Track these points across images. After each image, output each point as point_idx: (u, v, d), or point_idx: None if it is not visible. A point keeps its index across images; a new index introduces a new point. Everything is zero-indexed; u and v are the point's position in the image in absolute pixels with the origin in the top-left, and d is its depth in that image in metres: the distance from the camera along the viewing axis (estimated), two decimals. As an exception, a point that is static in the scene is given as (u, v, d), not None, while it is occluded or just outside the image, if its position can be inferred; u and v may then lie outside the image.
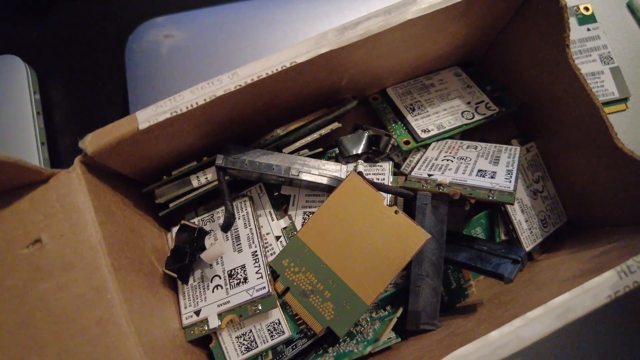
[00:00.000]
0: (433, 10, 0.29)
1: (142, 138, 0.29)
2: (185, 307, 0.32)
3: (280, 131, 0.32)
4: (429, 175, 0.32)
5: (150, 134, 0.29)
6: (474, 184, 0.30)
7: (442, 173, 0.32)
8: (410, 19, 0.29)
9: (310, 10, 0.45)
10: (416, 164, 0.35)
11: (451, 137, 0.38)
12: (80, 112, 0.44)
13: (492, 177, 0.30)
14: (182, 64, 0.44)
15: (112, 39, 0.44)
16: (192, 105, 0.28)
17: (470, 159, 0.33)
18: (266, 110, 0.33)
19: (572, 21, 0.44)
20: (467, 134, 0.40)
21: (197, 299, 0.32)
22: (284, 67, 0.28)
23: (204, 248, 0.32)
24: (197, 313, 0.32)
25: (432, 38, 0.34)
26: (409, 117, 0.37)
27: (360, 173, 0.33)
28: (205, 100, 0.28)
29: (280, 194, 0.35)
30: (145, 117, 0.28)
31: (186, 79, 0.39)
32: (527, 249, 0.36)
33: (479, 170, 0.31)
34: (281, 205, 0.35)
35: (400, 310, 0.32)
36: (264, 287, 0.31)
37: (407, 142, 0.36)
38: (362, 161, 0.35)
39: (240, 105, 0.30)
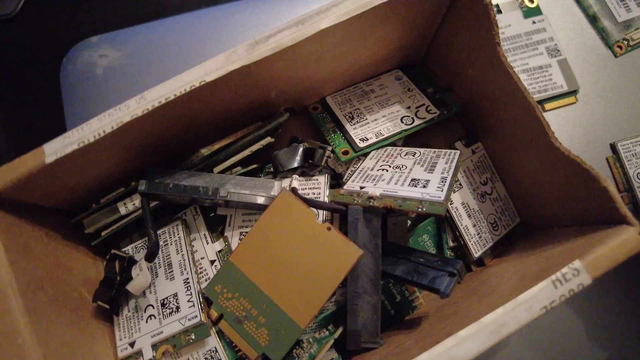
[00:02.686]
0: (348, 17, 0.28)
1: (55, 171, 0.28)
2: (120, 339, 0.31)
3: (205, 151, 0.31)
4: (361, 187, 0.31)
5: (62, 166, 0.28)
6: (405, 195, 0.29)
7: (375, 184, 0.31)
8: (325, 27, 0.27)
9: (247, 22, 0.43)
10: (351, 175, 0.33)
11: (393, 144, 0.37)
12: (18, 138, 0.42)
13: (424, 187, 0.29)
14: (119, 84, 0.42)
15: (46, 62, 0.43)
16: (99, 134, 0.26)
17: (406, 167, 0.32)
18: (188, 130, 0.31)
19: (517, 14, 0.43)
20: (411, 138, 0.38)
21: (131, 330, 0.31)
22: (193, 87, 0.27)
23: (132, 278, 0.30)
24: (132, 345, 0.31)
25: (360, 44, 0.33)
26: (348, 126, 0.36)
27: (293, 189, 0.32)
28: (112, 127, 0.26)
29: (216, 214, 0.34)
30: (53, 149, 0.27)
31: (124, 98, 0.37)
32: (477, 255, 0.35)
33: (412, 180, 0.30)
34: (217, 227, 0.34)
35: (340, 331, 0.30)
36: (196, 316, 0.30)
37: (345, 152, 0.35)
38: (298, 176, 0.34)
39: (156, 128, 0.29)
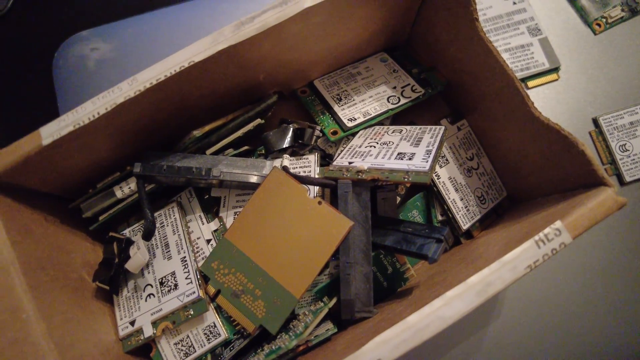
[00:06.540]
0: (330, -3, 0.29)
1: (51, 154, 0.29)
2: (121, 318, 0.32)
3: (196, 133, 0.32)
4: (350, 163, 0.32)
5: (59, 149, 0.28)
6: (392, 167, 0.30)
7: (363, 159, 0.32)
8: (308, 7, 0.28)
9: (236, 10, 0.44)
10: (340, 153, 0.34)
11: (381, 123, 0.38)
12: (13, 134, 0.43)
13: (410, 159, 0.30)
14: (111, 76, 0.43)
15: (39, 57, 0.44)
16: (94, 116, 0.27)
17: (393, 143, 0.33)
18: (180, 112, 0.32)
19: (498, -4, 0.44)
20: (399, 118, 0.39)
21: (131, 309, 0.32)
22: (183, 68, 0.28)
23: (130, 258, 0.31)
24: (132, 323, 0.32)
25: (343, 25, 0.34)
26: (336, 108, 0.37)
27: (284, 167, 0.33)
28: (106, 109, 0.27)
29: (210, 196, 0.35)
30: (49, 132, 0.28)
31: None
32: (465, 227, 0.36)
33: (399, 154, 0.31)
34: (212, 208, 0.35)
35: (334, 301, 0.31)
36: (194, 292, 0.31)
37: (334, 133, 0.36)
38: (288, 155, 0.35)
39: (149, 110, 0.30)
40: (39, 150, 0.27)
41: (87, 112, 0.27)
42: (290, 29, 0.30)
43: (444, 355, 0.39)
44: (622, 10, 0.44)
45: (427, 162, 0.30)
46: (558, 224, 0.25)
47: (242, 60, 0.31)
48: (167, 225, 0.33)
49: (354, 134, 0.37)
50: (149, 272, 0.33)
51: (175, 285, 0.31)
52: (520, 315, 0.39)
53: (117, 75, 0.43)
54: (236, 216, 0.34)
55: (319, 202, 0.31)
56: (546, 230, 0.25)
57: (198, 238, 0.34)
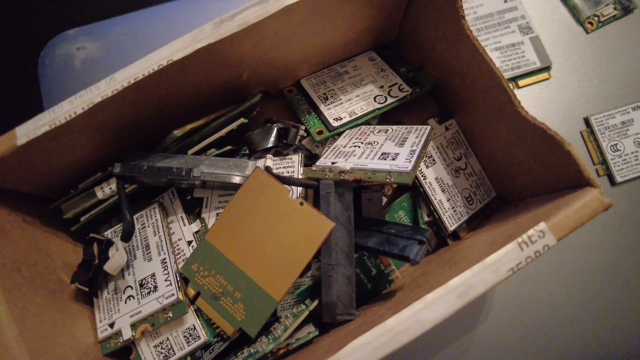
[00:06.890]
0: (312, -6, 0.28)
1: (28, 154, 0.28)
2: (100, 321, 0.32)
3: (177, 132, 0.32)
4: (333, 163, 0.31)
5: (35, 149, 0.28)
6: (374, 167, 0.29)
7: (346, 160, 0.31)
8: (288, 4, 0.28)
9: (223, 10, 0.44)
10: (325, 152, 0.34)
11: (367, 123, 0.37)
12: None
13: (393, 159, 0.30)
14: (98, 75, 0.42)
15: (24, 56, 0.43)
16: (70, 116, 0.27)
17: (378, 143, 0.32)
18: (162, 112, 0.32)
19: (489, -6, 0.43)
20: (386, 117, 0.39)
21: (111, 311, 0.32)
22: (161, 66, 0.27)
23: (109, 259, 0.31)
24: (112, 325, 0.31)
25: (329, 23, 0.33)
26: (322, 107, 0.37)
27: (267, 168, 0.33)
28: (83, 108, 0.27)
29: (192, 197, 0.35)
30: (24, 132, 0.27)
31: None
32: (451, 229, 0.35)
33: (382, 154, 0.31)
34: (194, 209, 0.35)
35: (316, 303, 0.31)
36: (173, 294, 0.30)
37: (320, 132, 0.36)
38: (271, 155, 0.34)
39: (129, 109, 0.29)
40: (14, 150, 0.27)
41: (63, 112, 0.27)
42: (272, 27, 0.30)
43: (433, 357, 0.38)
44: (615, 8, 0.43)
45: (410, 162, 0.29)
46: (542, 225, 0.25)
47: (223, 59, 0.30)
48: (148, 227, 0.33)
49: (339, 134, 0.36)
50: (129, 274, 0.32)
51: (155, 287, 0.31)
52: (509, 317, 0.38)
53: (103, 75, 0.42)
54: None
55: (301, 203, 0.30)
56: (530, 232, 0.25)
57: (179, 239, 0.33)
